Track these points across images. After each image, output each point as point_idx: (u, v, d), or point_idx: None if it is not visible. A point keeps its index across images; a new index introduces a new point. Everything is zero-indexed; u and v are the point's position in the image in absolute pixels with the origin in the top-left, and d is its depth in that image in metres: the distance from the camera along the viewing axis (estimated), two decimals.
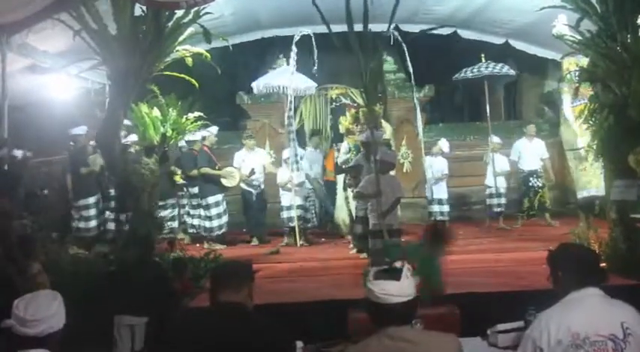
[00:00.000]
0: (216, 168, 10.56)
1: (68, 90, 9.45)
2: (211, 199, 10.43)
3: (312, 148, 11.40)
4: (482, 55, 10.99)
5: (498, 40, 11.30)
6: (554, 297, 3.05)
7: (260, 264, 7.93)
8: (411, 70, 10.75)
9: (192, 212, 10.73)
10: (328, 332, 5.01)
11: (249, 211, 11.10)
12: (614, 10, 6.85)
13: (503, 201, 11.36)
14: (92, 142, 8.96)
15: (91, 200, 9.44)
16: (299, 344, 3.67)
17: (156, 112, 7.86)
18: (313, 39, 9.91)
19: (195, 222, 10.68)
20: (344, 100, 12.22)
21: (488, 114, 11.51)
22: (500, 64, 10.84)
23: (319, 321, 5.62)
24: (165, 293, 5.63)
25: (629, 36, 6.89)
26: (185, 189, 10.73)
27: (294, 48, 10.09)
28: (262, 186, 11.01)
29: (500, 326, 3.91)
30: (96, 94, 9.90)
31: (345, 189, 9.90)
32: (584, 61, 9.44)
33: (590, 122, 7.55)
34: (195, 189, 10.55)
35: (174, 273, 6.24)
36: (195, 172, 10.33)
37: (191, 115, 8.28)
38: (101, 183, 9.57)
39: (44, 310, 3.04)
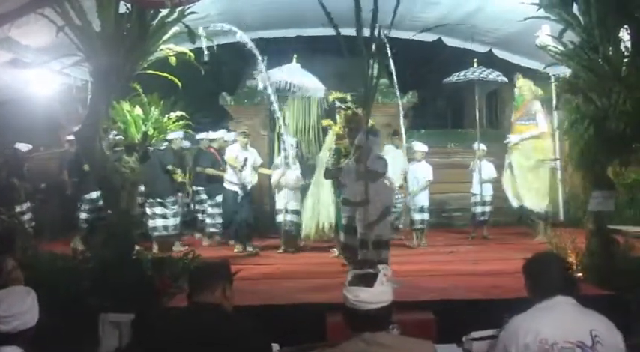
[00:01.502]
0: (220, 169, 10.86)
1: (50, 85, 9.38)
2: (219, 198, 10.83)
3: (393, 147, 11.00)
4: (475, 60, 11.01)
5: (482, 49, 11.37)
6: (528, 305, 3.11)
7: (239, 264, 7.89)
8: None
9: (210, 211, 11.18)
10: (306, 336, 5.01)
11: (233, 213, 10.50)
12: (597, 22, 6.91)
13: (487, 209, 11.34)
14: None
15: (95, 195, 9.72)
16: (275, 346, 3.66)
17: (138, 111, 7.82)
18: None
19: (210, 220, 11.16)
20: (338, 104, 11.99)
21: (477, 120, 11.49)
22: (489, 70, 10.83)
23: (297, 324, 5.62)
24: (146, 291, 5.62)
25: (610, 48, 6.95)
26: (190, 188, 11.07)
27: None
28: (249, 187, 10.51)
29: (475, 334, 3.93)
30: (78, 91, 9.82)
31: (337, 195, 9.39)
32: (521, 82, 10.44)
33: (571, 133, 7.61)
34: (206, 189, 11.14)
35: (154, 272, 6.21)
36: (209, 170, 10.95)
37: (173, 115, 8.26)
38: None
39: (18, 306, 3.02)
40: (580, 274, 6.84)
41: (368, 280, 2.85)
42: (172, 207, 10.20)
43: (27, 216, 10.26)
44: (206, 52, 8.58)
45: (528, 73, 11.73)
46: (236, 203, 10.37)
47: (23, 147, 10.72)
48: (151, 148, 8.57)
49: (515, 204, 10.71)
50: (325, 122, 10.38)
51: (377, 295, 2.81)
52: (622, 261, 6.85)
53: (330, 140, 9.85)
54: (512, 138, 10.62)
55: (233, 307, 3.26)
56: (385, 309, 2.84)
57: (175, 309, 4.80)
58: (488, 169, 11.31)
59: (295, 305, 6.30)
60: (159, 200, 10.07)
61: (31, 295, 3.14)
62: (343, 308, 2.88)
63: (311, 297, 6.60)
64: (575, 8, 7.11)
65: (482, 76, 10.66)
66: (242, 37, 9.54)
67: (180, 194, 10.95)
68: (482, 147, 11.31)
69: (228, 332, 3.00)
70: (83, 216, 10.11)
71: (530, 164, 10.41)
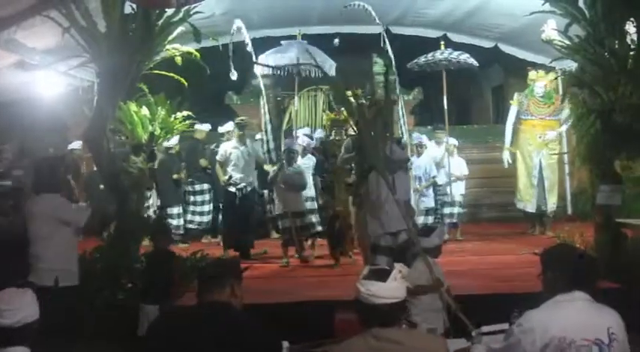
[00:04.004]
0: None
1: (56, 87, 9.41)
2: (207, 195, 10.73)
3: (434, 143, 10.47)
4: (442, 43, 10.52)
5: (488, 44, 11.34)
6: (539, 299, 3.04)
7: (247, 263, 7.93)
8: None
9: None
10: (315, 333, 5.01)
11: (230, 217, 9.38)
12: (603, 16, 6.90)
13: (456, 210, 10.33)
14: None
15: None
16: (285, 344, 3.67)
17: (144, 111, 7.85)
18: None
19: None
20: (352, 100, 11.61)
21: (445, 109, 10.74)
22: (458, 52, 10.27)
23: (306, 322, 5.64)
24: (168, 283, 5.68)
25: (616, 42, 6.94)
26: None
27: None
28: (249, 188, 9.34)
29: (485, 328, 3.93)
30: (84, 92, 9.85)
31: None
32: (551, 76, 10.00)
33: (578, 127, 7.60)
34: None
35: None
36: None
37: (179, 114, 8.28)
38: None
39: (18, 299, 3.06)
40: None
41: (382, 275, 2.86)
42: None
43: None
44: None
45: (535, 67, 11.73)
46: (234, 206, 9.23)
47: (75, 145, 10.76)
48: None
49: (530, 208, 10.30)
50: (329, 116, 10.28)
51: (389, 290, 2.81)
52: (630, 255, 6.84)
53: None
54: (549, 134, 10.11)
55: (243, 305, 3.27)
56: (397, 305, 2.83)
57: (185, 308, 4.81)
58: (459, 166, 10.41)
59: (304, 303, 6.32)
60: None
61: (29, 292, 3.17)
62: (355, 302, 2.88)
63: (320, 295, 6.61)
64: (580, 2, 7.10)
65: (452, 57, 10.08)
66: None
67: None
68: (453, 141, 10.54)
69: (239, 331, 3.01)
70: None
71: (554, 161, 10.29)
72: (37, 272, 4.95)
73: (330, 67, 9.96)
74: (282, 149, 9.12)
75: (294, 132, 10.49)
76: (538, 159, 10.20)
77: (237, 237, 9.16)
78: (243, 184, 9.17)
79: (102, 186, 8.48)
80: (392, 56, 10.17)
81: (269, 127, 10.06)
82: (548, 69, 10.17)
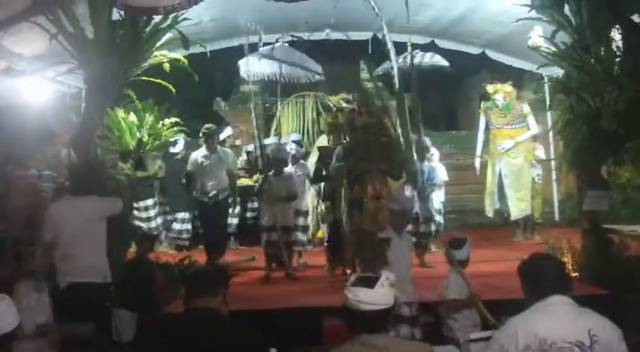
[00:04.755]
0: None
1: (44, 93, 9.36)
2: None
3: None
4: (409, 44, 10.13)
5: (475, 50, 11.39)
6: (526, 306, 3.12)
7: (235, 269, 7.91)
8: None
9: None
10: (303, 340, 5.02)
11: (204, 226, 9.41)
12: (589, 23, 6.96)
13: (437, 218, 9.82)
14: None
15: (149, 202, 9.93)
16: (273, 351, 3.67)
17: (132, 117, 7.85)
18: None
19: None
20: (345, 105, 11.35)
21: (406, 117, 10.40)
22: (429, 54, 10.31)
23: (294, 328, 5.63)
24: (150, 291, 5.68)
25: (602, 48, 7.00)
26: None
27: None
28: (221, 196, 8.89)
29: (473, 335, 3.95)
30: (72, 98, 9.81)
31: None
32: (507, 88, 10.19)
33: (564, 133, 7.65)
34: None
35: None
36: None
37: (167, 121, 8.27)
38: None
39: None
40: (576, 273, 6.87)
41: (369, 282, 2.88)
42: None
43: None
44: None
45: (522, 74, 11.80)
46: (206, 216, 9.13)
47: None
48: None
49: (491, 214, 10.49)
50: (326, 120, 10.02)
51: (376, 297, 2.83)
52: (617, 260, 6.88)
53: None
54: (505, 143, 10.21)
55: (231, 312, 3.27)
56: (384, 312, 2.85)
57: (173, 315, 4.80)
58: (439, 173, 9.99)
59: (292, 310, 6.31)
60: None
61: (6, 300, 3.14)
62: (342, 309, 2.89)
63: (308, 301, 6.60)
64: (566, 9, 7.16)
65: (424, 62, 10.10)
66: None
67: None
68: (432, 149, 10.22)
69: (228, 337, 3.00)
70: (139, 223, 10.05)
71: (517, 168, 10.24)
72: (83, 270, 5.12)
73: (316, 72, 9.86)
74: (270, 156, 8.58)
75: (281, 139, 10.31)
76: (499, 168, 10.27)
77: (210, 244, 9.00)
78: (214, 192, 8.82)
79: None
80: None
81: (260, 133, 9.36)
82: (505, 80, 10.35)
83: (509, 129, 10.34)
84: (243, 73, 9.83)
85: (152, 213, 10.01)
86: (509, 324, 3.05)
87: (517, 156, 10.29)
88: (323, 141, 10.38)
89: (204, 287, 3.15)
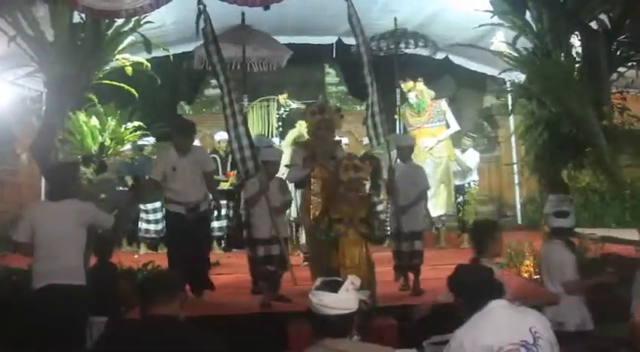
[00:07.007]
0: None
1: (3, 97, 9.21)
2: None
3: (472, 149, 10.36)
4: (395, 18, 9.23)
5: (439, 55, 11.48)
6: (465, 318, 3.16)
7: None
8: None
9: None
10: (269, 345, 4.99)
11: (175, 247, 6.92)
12: (549, 29, 7.07)
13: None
14: None
15: (157, 204, 9.66)
16: None
17: (94, 121, 7.75)
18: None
19: None
20: (293, 105, 11.16)
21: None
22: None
23: (260, 333, 5.60)
24: (115, 296, 5.61)
25: (562, 54, 7.11)
26: None
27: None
28: (201, 207, 6.96)
29: (436, 338, 3.96)
30: (32, 102, 9.66)
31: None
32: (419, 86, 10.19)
33: (526, 137, 7.74)
34: None
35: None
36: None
37: (130, 125, 8.19)
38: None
39: None
40: (537, 276, 6.95)
41: (334, 286, 2.88)
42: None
43: None
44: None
45: (485, 78, 11.94)
46: (178, 230, 6.84)
47: None
48: None
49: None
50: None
51: (340, 301, 2.83)
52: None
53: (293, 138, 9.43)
54: (427, 142, 10.07)
55: (196, 318, 3.24)
56: (348, 316, 2.86)
57: (130, 321, 4.74)
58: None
59: (257, 315, 6.26)
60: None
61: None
62: (307, 313, 2.89)
63: (273, 305, 6.55)
64: (527, 15, 7.26)
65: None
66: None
67: None
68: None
69: (187, 344, 2.97)
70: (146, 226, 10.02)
71: (442, 168, 10.17)
72: (61, 272, 4.96)
73: (282, 56, 9.42)
74: (260, 160, 6.60)
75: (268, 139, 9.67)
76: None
77: (189, 270, 6.25)
78: (191, 200, 6.80)
79: (103, 195, 8.31)
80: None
81: (239, 132, 6.58)
82: (416, 78, 10.34)
83: (429, 127, 10.31)
84: (196, 65, 9.38)
85: (159, 215, 9.84)
86: (454, 339, 3.09)
87: (441, 155, 10.23)
88: (290, 138, 10.11)
89: (160, 293, 3.11)
